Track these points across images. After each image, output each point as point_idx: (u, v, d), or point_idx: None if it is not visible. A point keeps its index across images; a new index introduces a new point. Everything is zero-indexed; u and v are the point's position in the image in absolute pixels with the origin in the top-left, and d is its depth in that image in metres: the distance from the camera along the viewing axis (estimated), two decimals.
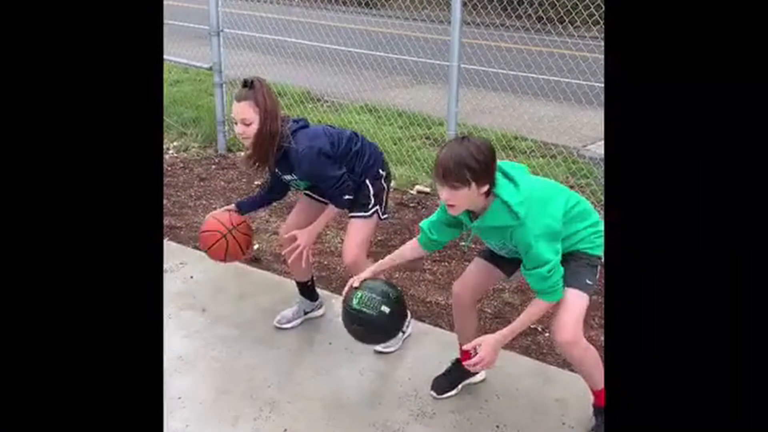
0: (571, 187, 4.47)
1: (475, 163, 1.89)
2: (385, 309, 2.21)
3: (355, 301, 2.22)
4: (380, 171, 2.68)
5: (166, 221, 3.97)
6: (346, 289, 2.29)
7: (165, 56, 6.33)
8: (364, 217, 2.64)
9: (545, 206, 2.02)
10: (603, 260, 2.17)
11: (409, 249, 2.35)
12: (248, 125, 2.43)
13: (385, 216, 2.73)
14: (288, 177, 2.63)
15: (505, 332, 2.10)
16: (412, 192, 4.51)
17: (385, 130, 5.31)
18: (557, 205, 2.05)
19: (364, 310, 2.21)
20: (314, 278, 2.99)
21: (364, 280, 2.28)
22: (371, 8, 10.08)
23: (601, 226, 2.17)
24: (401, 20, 9.31)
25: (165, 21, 9.19)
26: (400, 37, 6.96)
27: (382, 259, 2.41)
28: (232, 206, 2.80)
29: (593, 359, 2.16)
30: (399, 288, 2.43)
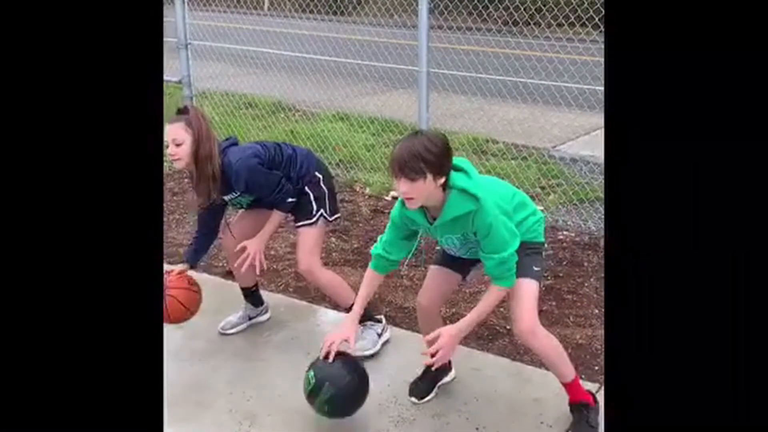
0: (543, 188, 4.55)
1: (429, 155, 1.94)
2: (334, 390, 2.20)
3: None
4: (317, 174, 2.71)
5: None
6: (323, 354, 2.25)
7: None
8: (310, 224, 2.69)
9: (495, 192, 2.12)
10: (545, 246, 2.32)
11: (370, 281, 2.34)
12: (178, 145, 2.48)
13: (335, 216, 2.77)
14: (229, 196, 2.65)
15: (463, 324, 2.17)
16: (387, 198, 4.53)
17: (358, 137, 5.34)
18: (504, 192, 2.18)
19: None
20: (259, 284, 3.02)
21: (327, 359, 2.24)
22: (341, 15, 10.11)
23: (540, 215, 2.28)
24: (371, 27, 9.35)
25: None
26: (369, 45, 6.99)
27: (360, 269, 2.42)
28: (182, 265, 2.75)
29: (555, 350, 2.22)
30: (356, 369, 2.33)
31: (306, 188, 2.68)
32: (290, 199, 2.62)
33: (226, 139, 2.64)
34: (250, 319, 2.99)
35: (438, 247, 2.37)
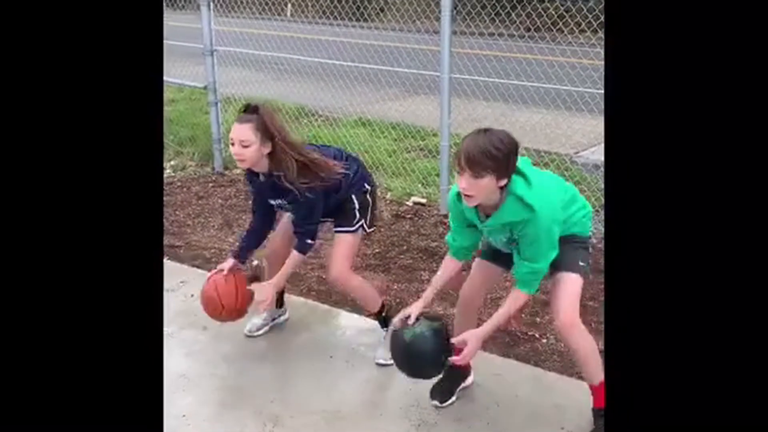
0: None
1: (498, 153, 1.94)
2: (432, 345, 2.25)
3: (408, 335, 2.26)
4: (365, 185, 2.72)
5: (165, 240, 4.01)
6: (399, 319, 2.31)
7: None
8: (350, 231, 2.69)
9: (551, 197, 2.12)
10: (593, 240, 2.35)
11: (447, 265, 2.37)
12: (246, 147, 2.44)
13: (371, 228, 2.78)
14: (276, 201, 2.65)
15: (488, 326, 2.22)
16: (408, 203, 4.55)
17: (379, 142, 5.37)
18: (559, 194, 2.18)
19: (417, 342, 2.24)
20: (286, 287, 3.03)
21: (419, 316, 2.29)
22: (364, 21, 10.17)
23: (589, 208, 2.30)
24: (394, 32, 9.40)
25: None
26: (392, 50, 7.03)
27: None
28: (232, 262, 2.72)
29: (590, 347, 2.22)
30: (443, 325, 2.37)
31: (353, 196, 2.67)
32: (310, 241, 2.61)
33: None
34: (273, 320, 3.04)
35: (483, 239, 2.39)
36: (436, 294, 2.42)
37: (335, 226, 2.73)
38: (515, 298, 2.19)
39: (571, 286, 2.19)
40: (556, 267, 2.21)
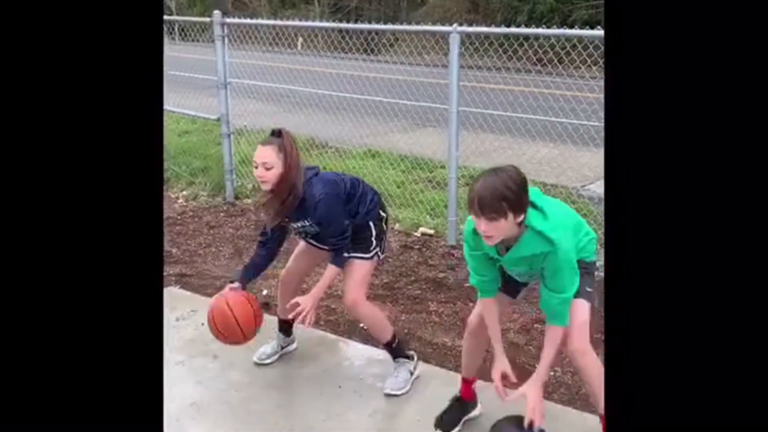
0: None
1: (510, 194, 1.96)
2: None
3: None
4: (381, 213, 2.78)
5: (176, 269, 4.07)
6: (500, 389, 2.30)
7: (174, 108, 6.53)
8: (366, 258, 2.73)
9: (567, 227, 2.15)
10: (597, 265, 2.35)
11: (489, 309, 2.33)
12: (268, 169, 2.50)
13: (383, 256, 2.83)
14: (299, 224, 2.69)
15: (542, 371, 2.21)
16: (416, 234, 4.60)
17: (388, 174, 5.45)
18: (570, 223, 2.20)
19: None
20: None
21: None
22: (374, 54, 10.35)
23: (592, 234, 2.32)
24: (403, 66, 9.54)
25: (174, 72, 9.32)
26: (401, 83, 7.16)
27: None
28: (236, 284, 2.73)
29: (601, 376, 2.21)
30: None
31: (371, 223, 2.71)
32: (347, 254, 2.65)
33: (309, 168, 2.64)
34: (282, 349, 3.07)
35: None
36: (464, 328, 2.46)
37: (351, 252, 2.74)
38: (554, 336, 2.18)
39: (579, 312, 2.21)
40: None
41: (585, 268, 2.28)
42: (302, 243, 2.92)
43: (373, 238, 2.73)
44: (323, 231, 2.69)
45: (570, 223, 2.21)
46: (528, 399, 2.19)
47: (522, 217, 2.03)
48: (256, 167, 2.53)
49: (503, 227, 2.00)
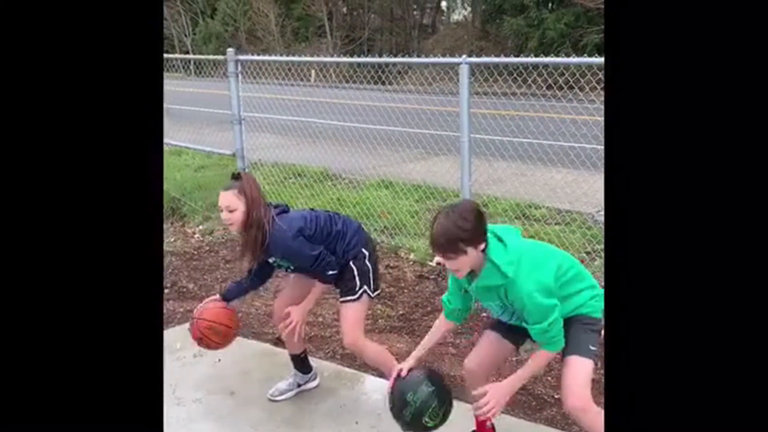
0: (588, 253, 4.54)
1: (463, 233, 2.03)
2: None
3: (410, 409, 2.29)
4: (363, 251, 2.77)
5: (194, 305, 4.08)
6: (392, 378, 2.38)
7: (190, 144, 6.64)
8: (353, 300, 2.75)
9: (536, 266, 2.13)
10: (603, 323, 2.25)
11: (439, 326, 2.46)
12: (232, 212, 2.63)
13: (377, 293, 2.84)
14: (272, 260, 2.78)
15: (513, 378, 2.20)
16: (431, 264, 4.59)
17: (402, 203, 5.46)
18: (549, 267, 2.15)
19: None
20: (307, 351, 3.10)
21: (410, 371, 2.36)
22: (385, 84, 10.47)
23: (598, 291, 2.26)
24: (413, 95, 9.64)
25: (189, 107, 9.48)
26: (412, 113, 7.22)
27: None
28: (217, 296, 2.94)
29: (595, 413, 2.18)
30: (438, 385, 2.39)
31: (351, 263, 2.73)
32: (331, 272, 2.69)
33: (276, 206, 2.73)
34: (299, 386, 3.05)
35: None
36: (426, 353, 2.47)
37: (340, 296, 2.81)
38: (541, 355, 2.19)
39: (580, 371, 2.17)
40: (565, 350, 2.20)
41: (589, 324, 2.22)
42: (291, 276, 2.98)
43: (356, 279, 2.74)
44: (295, 264, 2.74)
45: (546, 266, 2.14)
46: (488, 394, 2.17)
47: (483, 245, 2.07)
48: (221, 211, 2.66)
49: (466, 261, 2.07)
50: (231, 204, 2.63)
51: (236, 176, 2.70)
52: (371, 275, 2.78)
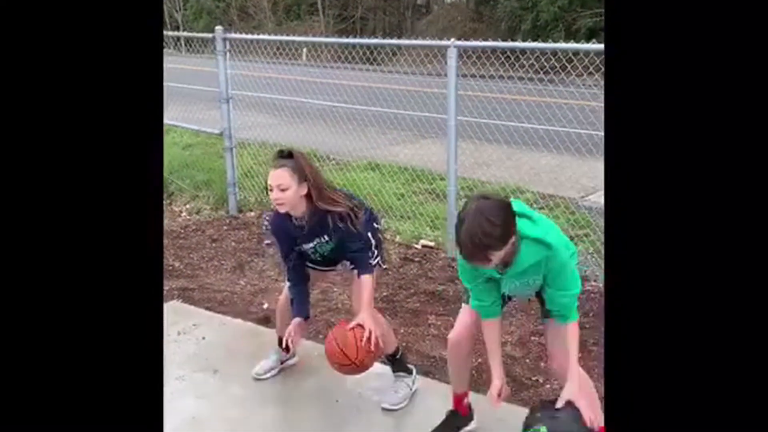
0: (571, 237, 4.59)
1: (492, 240, 1.95)
2: None
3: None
4: (374, 224, 2.81)
5: (179, 283, 4.11)
6: (496, 397, 2.28)
7: (178, 122, 6.60)
8: (369, 272, 2.72)
9: (558, 234, 2.17)
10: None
11: (491, 330, 2.33)
12: (284, 191, 2.51)
13: (384, 267, 2.84)
14: (312, 243, 2.67)
15: (576, 373, 2.19)
16: (417, 246, 4.63)
17: (389, 186, 5.49)
18: (554, 225, 2.21)
19: None
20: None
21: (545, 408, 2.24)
22: (376, 64, 10.42)
23: (573, 248, 2.28)
24: (405, 75, 9.60)
25: (178, 84, 9.35)
26: (403, 93, 7.21)
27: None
28: (299, 320, 2.73)
29: (588, 391, 2.25)
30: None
31: (369, 234, 2.72)
32: (372, 261, 2.66)
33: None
34: (282, 363, 3.10)
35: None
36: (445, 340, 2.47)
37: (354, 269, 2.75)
38: (573, 332, 2.18)
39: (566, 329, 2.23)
40: (546, 311, 2.27)
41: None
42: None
43: (373, 248, 2.75)
44: (344, 244, 2.65)
45: (555, 227, 2.21)
46: (580, 404, 2.14)
47: (513, 238, 2.04)
48: (271, 190, 2.54)
49: (498, 256, 2.02)
50: (283, 182, 2.50)
51: (287, 154, 2.56)
52: (382, 248, 2.82)
